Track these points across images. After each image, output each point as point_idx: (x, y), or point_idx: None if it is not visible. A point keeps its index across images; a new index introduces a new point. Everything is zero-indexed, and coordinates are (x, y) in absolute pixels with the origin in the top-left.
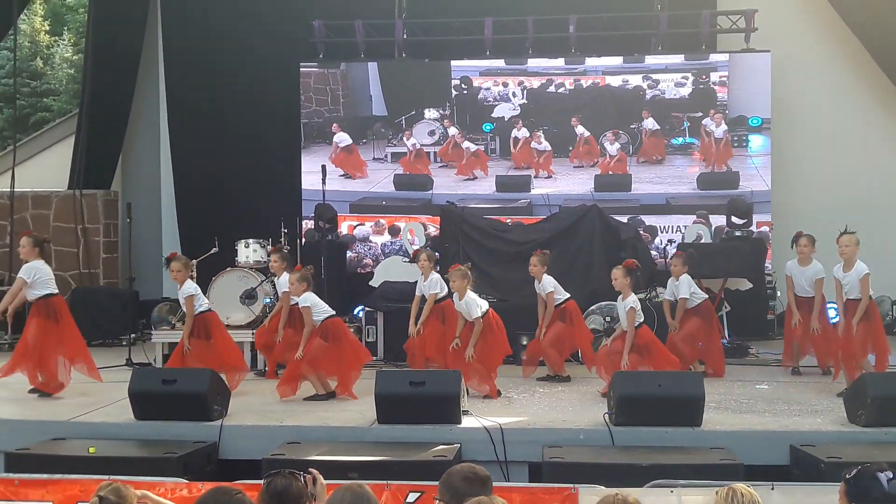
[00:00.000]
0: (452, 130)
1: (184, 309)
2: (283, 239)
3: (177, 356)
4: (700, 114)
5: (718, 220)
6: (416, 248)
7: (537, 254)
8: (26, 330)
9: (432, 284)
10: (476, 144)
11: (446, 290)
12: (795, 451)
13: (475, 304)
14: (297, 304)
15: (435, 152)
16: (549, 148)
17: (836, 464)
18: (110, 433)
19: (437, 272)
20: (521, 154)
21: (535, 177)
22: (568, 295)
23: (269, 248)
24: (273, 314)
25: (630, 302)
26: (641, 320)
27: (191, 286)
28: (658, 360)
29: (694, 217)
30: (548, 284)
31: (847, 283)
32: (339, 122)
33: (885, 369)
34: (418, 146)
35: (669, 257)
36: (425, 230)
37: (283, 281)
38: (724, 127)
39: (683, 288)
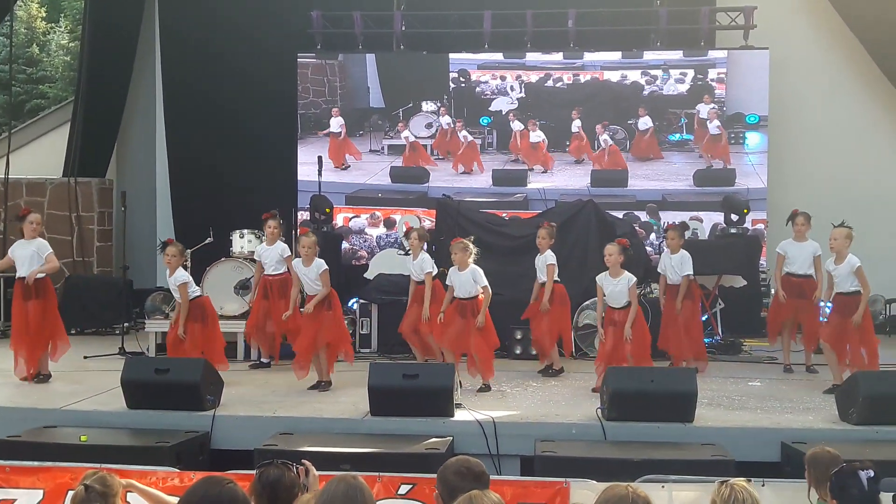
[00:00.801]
0: (446, 119)
1: (176, 297)
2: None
3: (174, 342)
4: (696, 109)
5: (716, 218)
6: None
7: (545, 226)
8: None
9: (425, 264)
10: (472, 137)
11: (436, 269)
12: (786, 447)
13: (480, 275)
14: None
15: (431, 145)
16: (542, 138)
17: None
18: (102, 421)
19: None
20: (521, 145)
21: (529, 169)
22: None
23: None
24: (257, 291)
25: (628, 277)
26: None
27: (183, 274)
28: (638, 345)
29: (690, 214)
30: (550, 256)
31: (838, 275)
32: (339, 110)
33: (877, 367)
34: (412, 139)
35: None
36: (421, 223)
37: (282, 248)
38: (716, 122)
39: (688, 264)
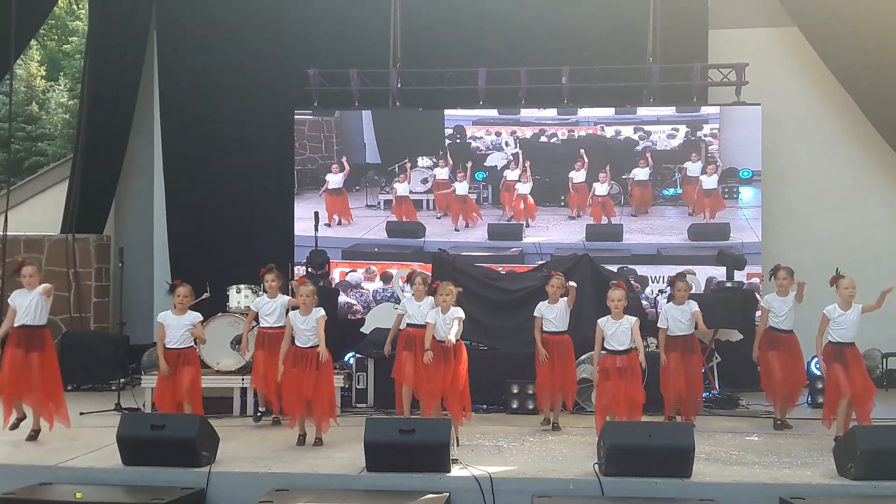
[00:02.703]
0: (444, 171)
1: (171, 338)
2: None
3: (163, 390)
4: (685, 166)
5: (711, 272)
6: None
7: (557, 275)
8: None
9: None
10: (469, 191)
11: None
12: (785, 503)
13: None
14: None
15: (427, 200)
16: (528, 191)
17: None
18: (98, 478)
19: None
20: (506, 196)
21: (514, 220)
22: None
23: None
24: (254, 342)
25: (630, 318)
26: None
27: (196, 313)
28: (633, 388)
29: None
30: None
31: (844, 324)
32: (339, 166)
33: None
34: (407, 192)
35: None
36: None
37: (285, 300)
38: (715, 177)
39: (695, 304)
